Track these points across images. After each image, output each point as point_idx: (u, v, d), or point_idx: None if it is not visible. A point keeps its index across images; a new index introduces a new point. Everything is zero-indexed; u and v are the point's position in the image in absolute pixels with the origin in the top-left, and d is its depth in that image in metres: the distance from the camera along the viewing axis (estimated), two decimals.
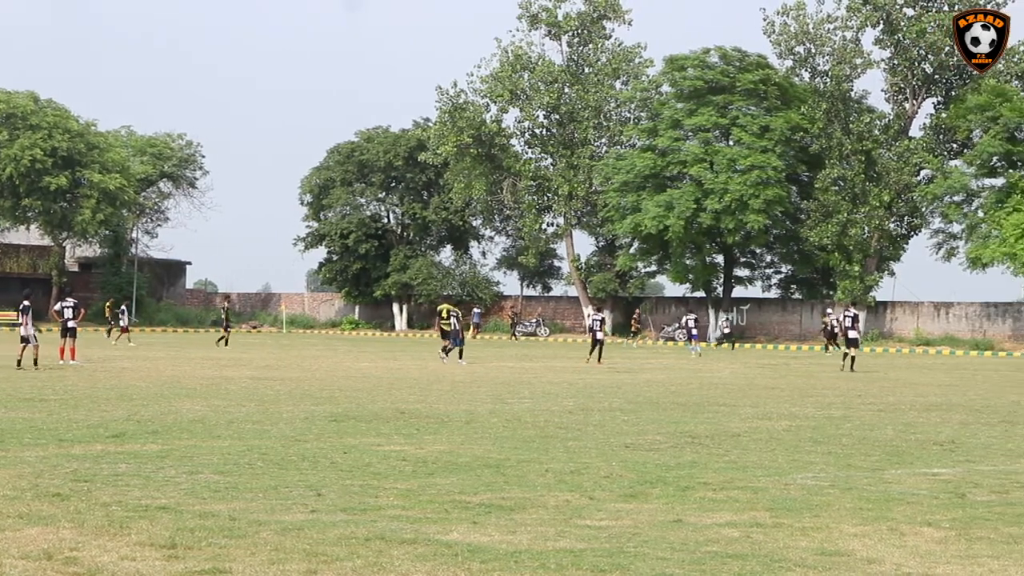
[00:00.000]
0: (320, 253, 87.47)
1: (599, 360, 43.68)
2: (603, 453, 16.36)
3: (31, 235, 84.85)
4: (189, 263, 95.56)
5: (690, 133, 71.75)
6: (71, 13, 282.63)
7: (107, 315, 61.54)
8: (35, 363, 33.29)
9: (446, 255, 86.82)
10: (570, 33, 77.41)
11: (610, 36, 77.75)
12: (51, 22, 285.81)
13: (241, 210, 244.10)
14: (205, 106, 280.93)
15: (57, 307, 39.31)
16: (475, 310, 78.00)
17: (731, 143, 70.88)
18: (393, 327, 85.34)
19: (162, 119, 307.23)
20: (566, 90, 76.79)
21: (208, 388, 27.55)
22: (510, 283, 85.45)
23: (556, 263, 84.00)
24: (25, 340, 33.52)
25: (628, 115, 77.37)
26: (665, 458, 15.88)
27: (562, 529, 10.77)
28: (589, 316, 69.18)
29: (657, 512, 11.75)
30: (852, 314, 42.81)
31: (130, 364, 37.44)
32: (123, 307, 57.86)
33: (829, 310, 62.50)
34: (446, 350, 43.28)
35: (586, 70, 77.33)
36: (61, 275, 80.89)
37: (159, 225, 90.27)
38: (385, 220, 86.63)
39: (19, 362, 33.40)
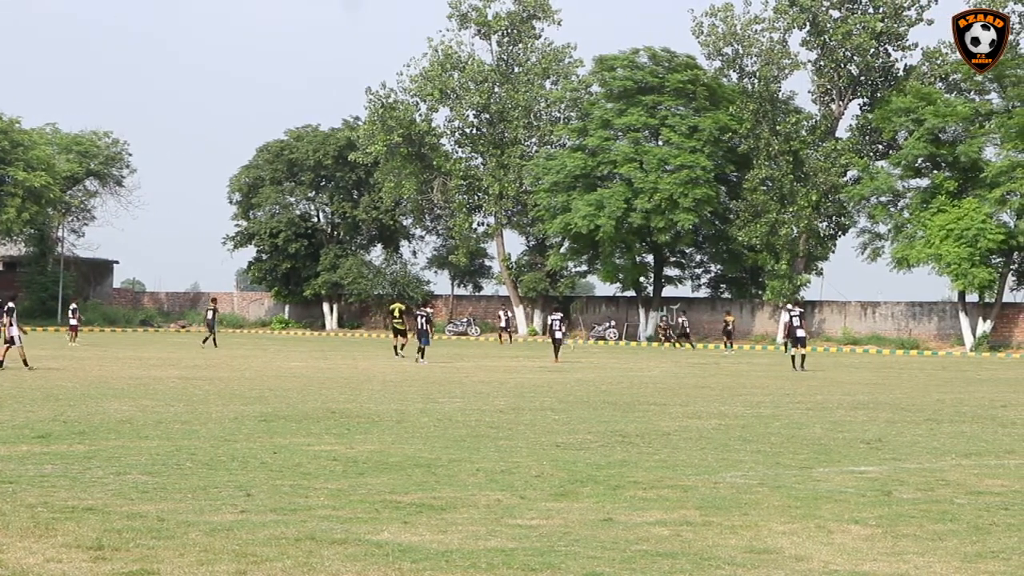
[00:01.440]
0: (249, 252, 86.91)
1: (556, 358, 44.38)
2: (534, 452, 16.38)
3: None
4: (116, 262, 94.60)
5: (620, 133, 72.04)
6: None
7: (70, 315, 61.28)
8: (25, 363, 33.38)
9: (376, 254, 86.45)
10: (500, 33, 77.40)
11: (540, 36, 77.85)
12: None
13: (169, 209, 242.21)
14: (132, 103, 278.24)
15: None
16: (427, 310, 77.72)
17: (660, 143, 71.26)
18: (323, 326, 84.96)
19: (88, 116, 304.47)
20: (496, 90, 76.77)
21: (136, 388, 27.28)
22: (441, 282, 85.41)
23: (487, 262, 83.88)
24: (10, 341, 33.89)
25: (558, 115, 77.56)
26: (596, 457, 15.92)
27: (493, 528, 10.77)
28: (517, 314, 69.91)
29: (588, 511, 11.78)
30: (798, 312, 42.73)
31: (56, 364, 37.01)
32: (73, 306, 57.88)
33: (790, 306, 62.22)
34: (420, 351, 43.29)
35: (516, 70, 77.39)
36: None
37: (86, 224, 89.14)
38: (315, 219, 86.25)
39: (1, 363, 33.57)
